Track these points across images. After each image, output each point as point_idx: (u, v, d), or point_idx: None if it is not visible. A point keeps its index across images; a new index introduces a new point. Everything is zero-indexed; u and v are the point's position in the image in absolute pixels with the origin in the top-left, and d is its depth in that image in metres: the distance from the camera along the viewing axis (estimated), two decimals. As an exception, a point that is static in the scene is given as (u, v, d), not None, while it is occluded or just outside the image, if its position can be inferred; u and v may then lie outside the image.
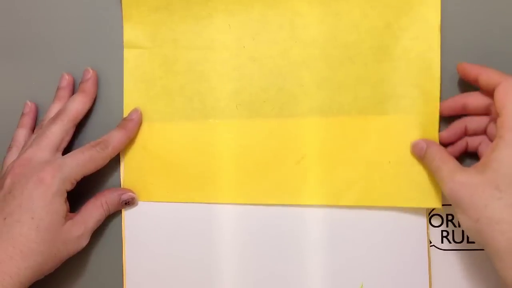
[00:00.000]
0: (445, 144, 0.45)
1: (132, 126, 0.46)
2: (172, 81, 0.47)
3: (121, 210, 0.47)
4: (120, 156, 0.47)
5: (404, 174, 0.45)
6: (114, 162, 0.47)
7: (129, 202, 0.47)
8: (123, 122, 0.46)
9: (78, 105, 0.45)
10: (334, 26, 0.45)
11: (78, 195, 0.45)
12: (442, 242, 0.47)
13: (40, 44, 0.48)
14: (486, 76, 0.42)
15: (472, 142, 0.45)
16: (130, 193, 0.47)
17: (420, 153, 0.45)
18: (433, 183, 0.45)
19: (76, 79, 0.48)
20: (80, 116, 0.46)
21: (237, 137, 0.47)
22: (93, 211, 0.45)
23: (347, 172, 0.46)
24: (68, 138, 0.45)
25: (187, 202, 0.47)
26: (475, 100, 0.44)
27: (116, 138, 0.45)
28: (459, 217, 0.40)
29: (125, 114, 0.47)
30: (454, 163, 0.42)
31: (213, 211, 0.47)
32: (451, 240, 0.47)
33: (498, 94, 0.40)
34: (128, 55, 0.47)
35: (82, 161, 0.43)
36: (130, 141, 0.47)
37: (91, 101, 0.47)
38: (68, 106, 0.45)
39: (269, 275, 0.47)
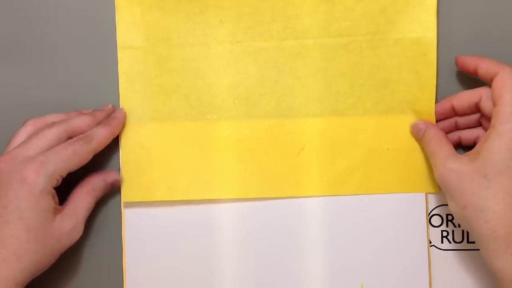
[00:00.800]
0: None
1: (116, 123, 0.46)
2: (167, 80, 0.47)
3: (120, 211, 0.47)
4: (120, 156, 0.47)
5: (402, 160, 0.46)
6: (112, 162, 0.47)
7: (115, 184, 0.46)
8: (106, 120, 0.46)
9: (101, 133, 0.44)
10: (327, 14, 0.46)
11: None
12: (442, 242, 0.47)
13: (40, 44, 0.48)
14: (484, 66, 0.42)
15: (468, 135, 0.46)
16: (113, 174, 0.46)
17: (418, 134, 0.45)
18: (430, 169, 0.45)
19: (76, 80, 0.48)
20: (93, 141, 0.44)
21: (235, 132, 0.47)
22: (81, 200, 0.44)
23: (346, 161, 0.46)
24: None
25: (187, 201, 0.47)
26: (458, 101, 0.44)
27: (100, 133, 0.44)
28: (448, 202, 0.41)
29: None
30: (448, 149, 0.42)
31: (213, 211, 0.47)
32: (451, 240, 0.47)
33: (495, 84, 0.41)
34: (123, 55, 0.47)
35: (66, 156, 0.42)
36: (128, 141, 0.47)
37: (112, 136, 0.46)
38: (94, 132, 0.44)
39: (269, 275, 0.47)
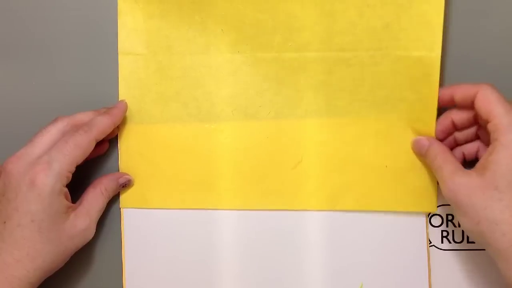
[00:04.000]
0: None
1: (116, 112, 0.45)
2: (167, 87, 0.47)
3: (120, 211, 0.47)
4: (118, 161, 0.47)
5: (400, 178, 0.45)
6: (111, 167, 0.48)
7: (126, 184, 0.47)
8: (107, 109, 0.46)
9: (100, 121, 0.44)
10: (329, 28, 0.45)
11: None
12: (442, 242, 0.47)
13: (40, 44, 0.48)
14: (460, 91, 0.43)
15: (469, 149, 0.45)
16: (126, 176, 0.47)
17: (421, 151, 0.45)
18: (428, 188, 0.45)
19: (76, 80, 0.48)
20: (93, 130, 0.44)
21: (233, 142, 0.47)
22: (94, 201, 0.44)
23: (343, 176, 0.46)
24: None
25: (183, 209, 0.47)
26: (457, 115, 0.44)
27: (99, 121, 0.44)
28: (460, 219, 0.40)
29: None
30: (455, 164, 0.42)
31: (212, 214, 0.47)
32: (451, 240, 0.47)
33: (479, 102, 0.41)
34: (123, 61, 0.47)
35: (68, 150, 0.41)
36: (126, 148, 0.47)
37: (113, 125, 0.45)
38: (93, 120, 0.44)
39: (269, 275, 0.47)
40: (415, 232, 0.46)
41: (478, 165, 0.41)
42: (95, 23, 0.47)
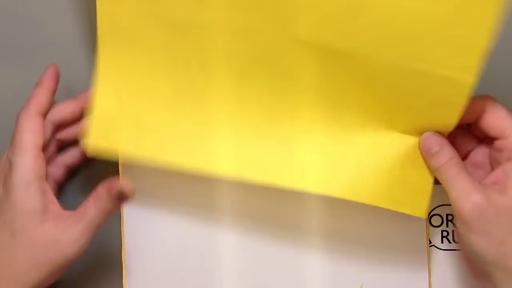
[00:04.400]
0: None
1: (47, 80, 0.42)
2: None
3: (120, 211, 0.47)
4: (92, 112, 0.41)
5: (396, 173, 0.42)
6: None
7: (122, 195, 0.38)
8: (39, 79, 0.42)
9: (34, 94, 0.41)
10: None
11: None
12: (442, 242, 0.47)
13: (40, 44, 0.48)
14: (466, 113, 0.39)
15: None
16: (119, 184, 0.38)
17: (429, 150, 0.40)
18: (425, 192, 0.42)
19: (76, 80, 0.48)
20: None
21: (230, 107, 0.43)
22: (84, 209, 0.38)
23: (337, 159, 0.43)
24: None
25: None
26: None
27: (33, 94, 0.41)
28: (475, 239, 0.38)
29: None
30: (471, 175, 0.39)
31: (213, 214, 0.47)
32: (451, 240, 0.47)
33: (489, 119, 0.39)
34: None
35: (18, 138, 0.39)
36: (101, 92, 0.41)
37: (49, 93, 0.42)
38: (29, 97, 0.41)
39: (268, 275, 0.47)
40: (415, 232, 0.46)
41: (493, 183, 0.39)
42: (95, 23, 0.47)
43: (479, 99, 0.40)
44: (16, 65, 0.48)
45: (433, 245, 0.47)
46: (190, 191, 0.47)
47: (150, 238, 0.47)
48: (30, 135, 0.39)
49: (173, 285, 0.47)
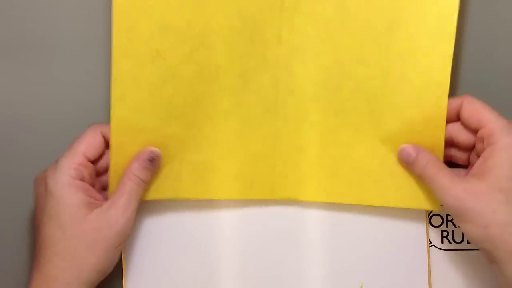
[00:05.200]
0: None
1: None
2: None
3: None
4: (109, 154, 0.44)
5: (403, 172, 0.44)
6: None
7: (152, 158, 0.43)
8: None
9: None
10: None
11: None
12: (442, 242, 0.47)
13: (40, 44, 0.48)
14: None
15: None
16: (147, 150, 0.43)
17: (408, 160, 0.43)
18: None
19: (76, 80, 0.48)
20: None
21: (228, 133, 0.45)
22: (121, 188, 0.42)
23: (340, 164, 0.45)
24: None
25: (187, 201, 0.47)
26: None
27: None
28: (464, 227, 0.40)
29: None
30: (450, 171, 0.41)
31: (212, 214, 0.47)
32: (451, 240, 0.47)
33: (467, 113, 0.42)
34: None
35: (74, 145, 0.42)
36: (118, 140, 0.44)
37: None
38: None
39: (268, 275, 0.47)
40: (415, 232, 0.46)
41: (473, 171, 0.41)
42: (95, 23, 0.47)
43: (456, 98, 0.43)
44: (16, 65, 0.48)
45: (433, 245, 0.47)
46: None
47: (150, 238, 0.47)
48: (84, 145, 0.43)
49: (173, 285, 0.47)
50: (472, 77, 0.47)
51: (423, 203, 0.44)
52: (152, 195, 0.45)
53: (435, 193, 0.41)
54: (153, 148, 0.44)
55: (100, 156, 0.44)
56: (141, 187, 0.43)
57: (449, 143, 0.44)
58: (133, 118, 0.44)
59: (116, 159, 0.44)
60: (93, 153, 0.43)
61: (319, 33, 0.43)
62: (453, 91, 0.45)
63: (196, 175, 0.45)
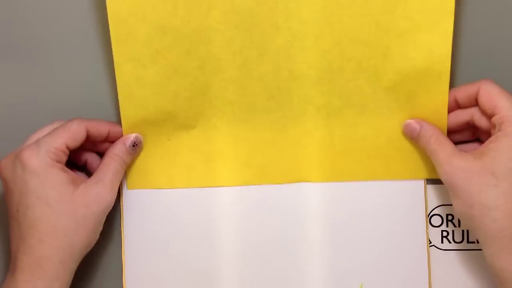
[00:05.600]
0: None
1: (117, 127, 0.46)
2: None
3: (120, 209, 0.47)
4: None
5: (398, 145, 0.46)
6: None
7: (136, 143, 0.45)
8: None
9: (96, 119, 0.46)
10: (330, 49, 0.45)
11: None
12: (442, 242, 0.47)
13: (40, 44, 0.48)
14: (462, 92, 0.43)
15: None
16: (131, 135, 0.45)
17: (412, 134, 0.45)
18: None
19: (76, 80, 0.48)
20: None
21: (232, 124, 0.46)
22: (104, 166, 0.44)
23: (343, 144, 0.46)
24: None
25: (187, 195, 0.47)
26: (453, 120, 0.45)
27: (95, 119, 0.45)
28: (453, 201, 0.41)
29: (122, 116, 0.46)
30: (451, 147, 0.42)
31: (213, 210, 0.47)
32: (451, 240, 0.47)
33: (483, 98, 0.42)
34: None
35: (55, 132, 0.43)
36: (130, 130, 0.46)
37: (108, 126, 0.46)
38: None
39: (268, 275, 0.47)
40: (415, 232, 0.46)
41: (477, 151, 0.41)
42: (95, 23, 0.47)
43: (475, 83, 0.43)
44: (16, 65, 0.48)
45: (433, 245, 0.47)
46: (190, 190, 0.47)
47: (150, 238, 0.47)
48: (68, 133, 0.43)
49: (173, 285, 0.47)
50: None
51: (431, 173, 0.45)
52: (166, 184, 0.47)
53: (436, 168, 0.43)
54: (137, 134, 0.45)
55: (77, 149, 0.44)
56: (123, 168, 0.45)
57: (472, 127, 0.45)
58: (142, 115, 0.45)
59: None
60: (73, 144, 0.43)
61: (316, 18, 0.44)
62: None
63: (208, 164, 0.47)
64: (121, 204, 0.47)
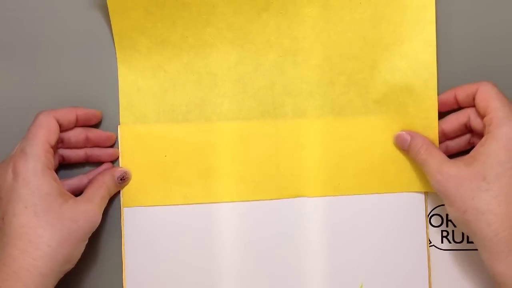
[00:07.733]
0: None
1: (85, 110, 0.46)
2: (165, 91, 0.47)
3: (120, 211, 0.47)
4: (119, 163, 0.47)
5: (399, 159, 0.46)
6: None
7: (124, 178, 0.46)
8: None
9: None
10: (331, 51, 0.46)
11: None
12: (442, 242, 0.47)
13: (41, 44, 0.48)
14: (462, 91, 0.44)
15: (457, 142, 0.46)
16: (121, 169, 0.46)
17: (403, 145, 0.45)
18: None
19: (76, 80, 0.48)
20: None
21: (230, 138, 0.47)
22: (94, 190, 0.44)
23: (343, 159, 0.47)
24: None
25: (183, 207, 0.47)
26: (448, 124, 0.45)
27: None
28: (448, 209, 0.41)
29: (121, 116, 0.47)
30: (440, 156, 0.43)
31: (213, 211, 0.47)
32: (451, 240, 0.47)
33: (479, 98, 0.42)
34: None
35: (32, 133, 0.42)
36: (126, 148, 0.47)
37: (74, 110, 0.46)
38: None
39: (268, 275, 0.47)
40: (415, 232, 0.46)
41: (468, 155, 0.41)
42: (94, 23, 0.47)
43: (474, 83, 0.43)
44: (16, 65, 0.48)
45: (433, 245, 0.47)
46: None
47: (150, 238, 0.47)
48: (43, 131, 0.42)
49: (173, 285, 0.47)
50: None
51: (428, 186, 0.45)
52: (163, 201, 0.47)
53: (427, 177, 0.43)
54: (126, 169, 0.47)
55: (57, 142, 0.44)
56: (109, 196, 0.46)
57: (468, 128, 0.45)
58: (139, 125, 0.47)
59: (125, 164, 0.47)
60: (53, 138, 0.43)
61: (306, 35, 0.46)
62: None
63: (204, 180, 0.47)
64: (121, 218, 0.47)
